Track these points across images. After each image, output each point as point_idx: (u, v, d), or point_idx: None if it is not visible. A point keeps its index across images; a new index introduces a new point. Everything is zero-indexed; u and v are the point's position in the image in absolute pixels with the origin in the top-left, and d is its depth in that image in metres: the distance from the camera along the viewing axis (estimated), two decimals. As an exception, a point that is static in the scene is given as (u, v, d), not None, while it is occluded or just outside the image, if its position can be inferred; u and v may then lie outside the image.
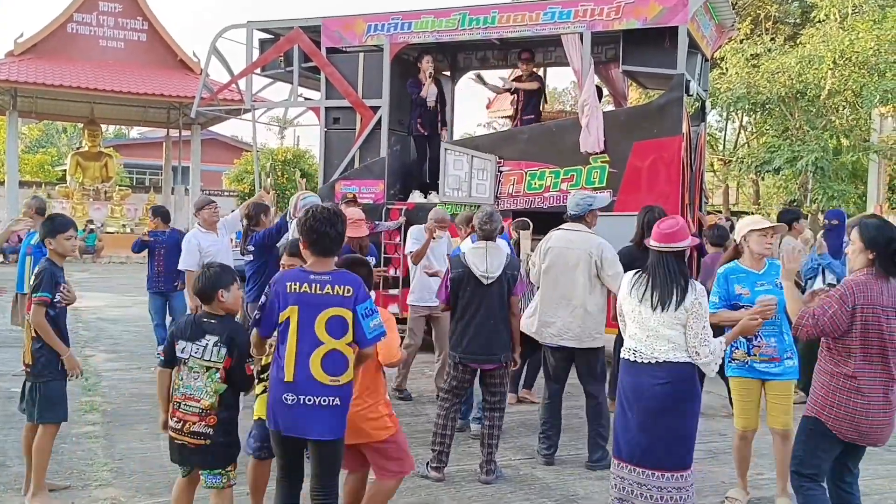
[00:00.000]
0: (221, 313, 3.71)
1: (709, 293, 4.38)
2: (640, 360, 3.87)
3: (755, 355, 4.52)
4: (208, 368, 3.58)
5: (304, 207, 5.41)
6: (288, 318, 3.44)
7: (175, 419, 3.60)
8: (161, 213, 8.79)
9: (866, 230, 3.67)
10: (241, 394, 3.78)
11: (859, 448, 3.81)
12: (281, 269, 4.21)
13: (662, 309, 3.81)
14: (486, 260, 5.05)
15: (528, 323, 5.57)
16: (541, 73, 10.66)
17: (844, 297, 3.61)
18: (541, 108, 10.23)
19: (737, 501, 4.76)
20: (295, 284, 3.46)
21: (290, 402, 3.42)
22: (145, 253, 8.62)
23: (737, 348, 4.57)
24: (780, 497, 4.69)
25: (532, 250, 7.25)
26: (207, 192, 27.55)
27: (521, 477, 5.25)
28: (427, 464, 5.16)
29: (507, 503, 4.79)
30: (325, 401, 3.42)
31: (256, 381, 3.86)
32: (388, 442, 3.90)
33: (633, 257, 5.55)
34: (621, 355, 4.02)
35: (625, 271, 5.27)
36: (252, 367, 3.69)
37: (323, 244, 3.51)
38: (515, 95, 10.22)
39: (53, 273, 4.42)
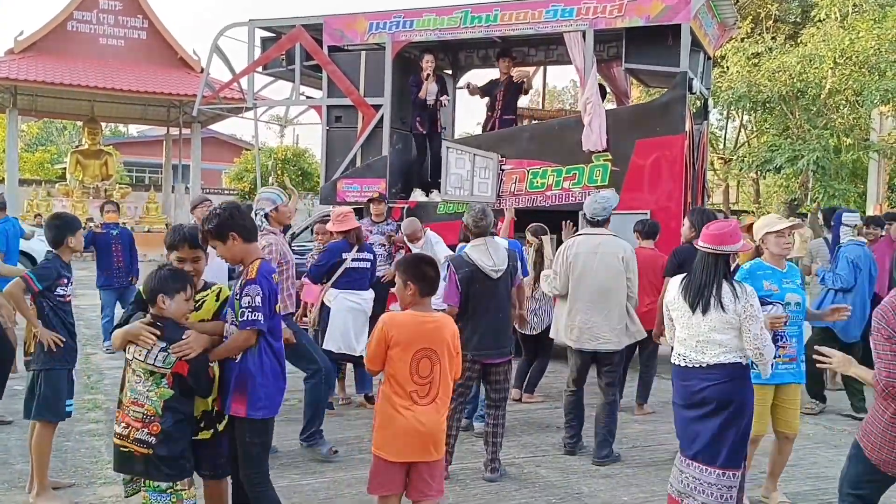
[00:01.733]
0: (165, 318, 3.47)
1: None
2: (689, 365, 3.93)
3: (779, 356, 4.47)
4: (152, 373, 3.36)
5: (262, 199, 5.42)
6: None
7: (123, 424, 3.40)
8: (119, 208, 9.10)
9: None
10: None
11: None
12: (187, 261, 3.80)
13: (705, 311, 3.84)
14: (490, 255, 5.05)
15: (564, 330, 5.60)
16: (514, 72, 10.46)
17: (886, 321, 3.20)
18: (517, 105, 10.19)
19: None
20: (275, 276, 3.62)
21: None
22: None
23: None
24: (774, 492, 4.71)
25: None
26: (207, 191, 27.61)
27: (524, 475, 5.25)
28: (431, 462, 5.16)
29: (512, 501, 4.78)
30: None
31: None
32: (441, 459, 3.72)
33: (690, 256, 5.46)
34: (672, 361, 4.07)
35: (682, 270, 5.28)
36: (216, 370, 3.49)
37: (253, 231, 3.71)
38: (496, 95, 10.00)
39: (53, 267, 4.54)
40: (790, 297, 4.48)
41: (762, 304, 4.46)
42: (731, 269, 4.62)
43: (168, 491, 3.39)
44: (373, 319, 8.31)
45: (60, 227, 4.68)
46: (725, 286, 3.86)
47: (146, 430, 3.35)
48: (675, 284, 4.06)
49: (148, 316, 3.49)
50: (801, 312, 4.56)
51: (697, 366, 3.88)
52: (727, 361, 3.83)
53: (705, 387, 3.86)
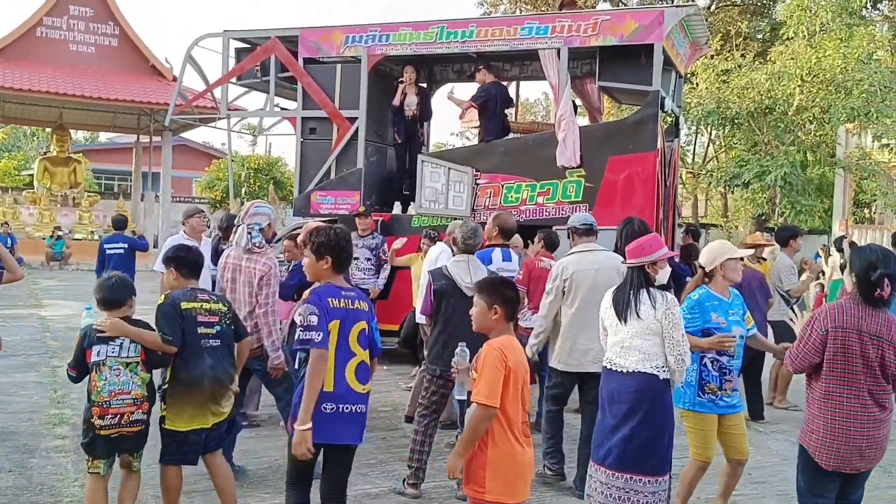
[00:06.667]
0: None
1: None
2: (613, 368, 4.07)
3: (726, 389, 4.55)
4: (128, 364, 3.99)
5: (258, 214, 5.39)
6: (329, 331, 3.60)
7: (109, 417, 3.92)
8: None
9: (854, 254, 3.81)
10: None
11: (854, 477, 3.83)
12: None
13: (626, 320, 4.00)
14: (469, 272, 5.06)
15: (558, 353, 5.32)
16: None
17: (814, 323, 3.75)
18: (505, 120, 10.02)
19: None
20: (335, 300, 3.68)
21: (329, 411, 3.60)
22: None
23: (709, 382, 4.54)
24: None
25: None
26: (178, 199, 27.30)
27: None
28: (404, 480, 5.14)
29: None
30: (358, 408, 3.73)
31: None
32: None
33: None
34: (602, 364, 4.20)
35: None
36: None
37: (345, 261, 3.87)
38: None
39: None
40: (736, 330, 4.54)
41: (706, 334, 4.51)
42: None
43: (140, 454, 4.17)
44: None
45: None
46: (644, 295, 4.00)
47: (140, 410, 3.99)
48: (607, 296, 4.23)
49: (114, 318, 4.08)
50: (742, 346, 4.65)
51: (620, 370, 4.03)
52: (645, 371, 3.95)
53: (623, 391, 3.99)
